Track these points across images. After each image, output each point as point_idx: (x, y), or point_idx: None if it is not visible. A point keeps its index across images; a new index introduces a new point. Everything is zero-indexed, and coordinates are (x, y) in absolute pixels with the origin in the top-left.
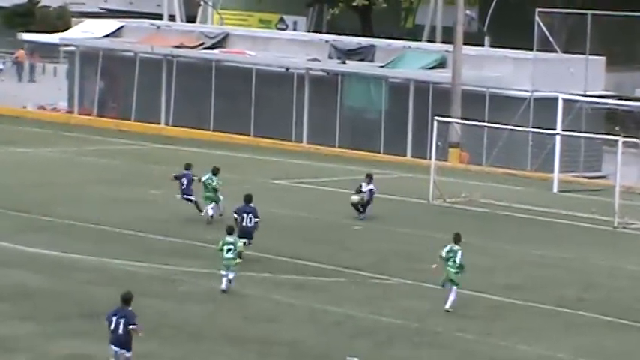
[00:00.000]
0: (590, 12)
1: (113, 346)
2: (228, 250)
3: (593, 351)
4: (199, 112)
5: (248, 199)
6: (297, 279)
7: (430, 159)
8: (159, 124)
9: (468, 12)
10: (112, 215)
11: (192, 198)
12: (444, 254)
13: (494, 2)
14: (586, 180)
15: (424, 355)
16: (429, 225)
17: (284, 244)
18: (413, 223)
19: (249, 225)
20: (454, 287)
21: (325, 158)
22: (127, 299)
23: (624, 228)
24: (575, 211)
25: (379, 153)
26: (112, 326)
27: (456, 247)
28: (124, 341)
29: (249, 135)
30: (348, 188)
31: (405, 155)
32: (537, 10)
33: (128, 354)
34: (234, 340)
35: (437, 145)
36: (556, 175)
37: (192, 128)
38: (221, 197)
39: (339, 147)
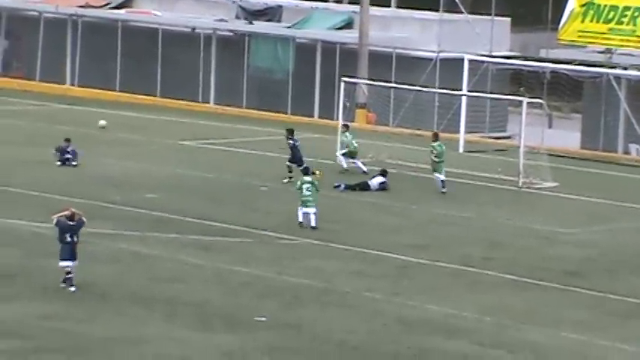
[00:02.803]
0: None
1: (65, 262)
2: (307, 188)
3: (498, 309)
4: (105, 72)
5: (291, 132)
6: (205, 240)
7: (337, 119)
8: (64, 84)
9: None
10: (17, 176)
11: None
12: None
13: None
14: (491, 140)
15: (332, 315)
16: None
17: (191, 205)
18: (320, 184)
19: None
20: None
21: (233, 119)
22: (71, 218)
23: (529, 188)
24: (481, 171)
25: (286, 114)
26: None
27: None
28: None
29: (155, 95)
30: (256, 149)
31: (312, 116)
32: None
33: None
34: (140, 301)
35: (344, 106)
36: (462, 136)
37: (98, 88)
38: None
39: (247, 108)
